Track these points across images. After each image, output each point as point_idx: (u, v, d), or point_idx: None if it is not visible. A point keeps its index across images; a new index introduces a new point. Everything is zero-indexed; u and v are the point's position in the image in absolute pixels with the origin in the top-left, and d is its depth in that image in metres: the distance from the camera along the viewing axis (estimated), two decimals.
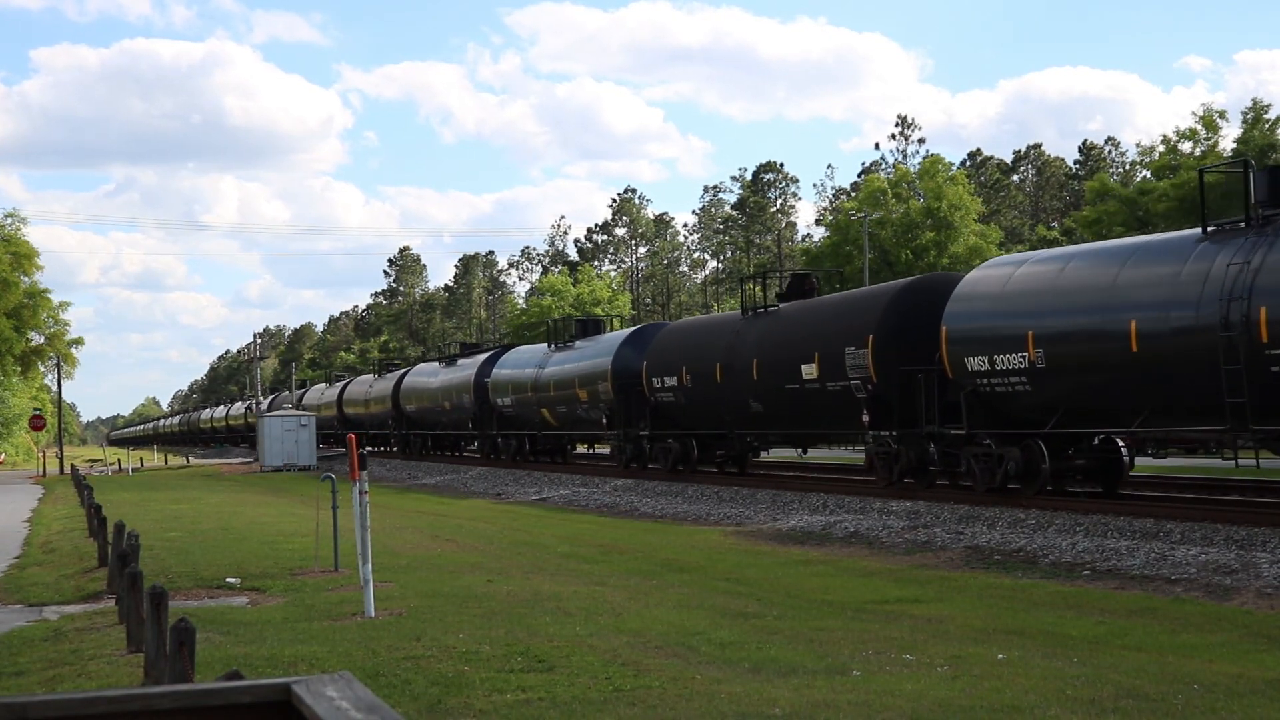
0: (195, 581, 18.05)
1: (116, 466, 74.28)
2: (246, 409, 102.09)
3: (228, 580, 18.00)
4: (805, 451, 40.58)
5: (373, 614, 14.02)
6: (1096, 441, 25.10)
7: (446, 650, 11.63)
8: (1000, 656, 11.34)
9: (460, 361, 59.02)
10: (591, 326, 49.16)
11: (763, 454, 40.46)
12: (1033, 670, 10.63)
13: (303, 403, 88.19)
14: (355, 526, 15.36)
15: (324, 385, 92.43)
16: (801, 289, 34.42)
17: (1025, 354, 23.73)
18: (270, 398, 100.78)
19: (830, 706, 9.22)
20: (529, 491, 39.80)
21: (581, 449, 55.75)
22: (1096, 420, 23.93)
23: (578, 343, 46.65)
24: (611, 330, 49.63)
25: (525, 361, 50.22)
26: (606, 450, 54.77)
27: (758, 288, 35.85)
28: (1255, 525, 19.35)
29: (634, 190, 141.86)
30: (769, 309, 34.38)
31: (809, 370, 30.27)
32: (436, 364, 63.84)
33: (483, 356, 56.07)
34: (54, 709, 3.01)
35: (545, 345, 50.03)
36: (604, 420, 42.06)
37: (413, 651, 11.61)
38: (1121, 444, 24.87)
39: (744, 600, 15.68)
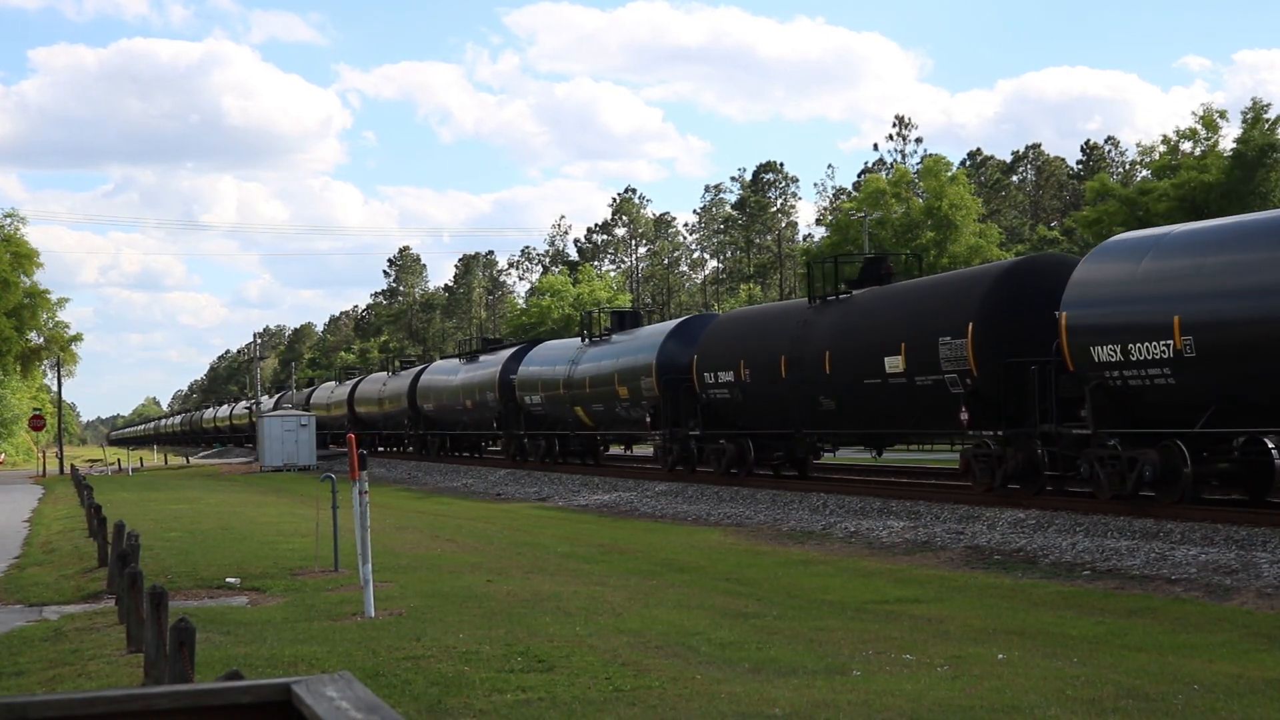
0: (195, 581, 18.06)
1: (116, 466, 74.28)
2: (249, 408, 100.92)
3: (228, 580, 18.00)
4: (880, 453, 37.08)
5: (373, 614, 14.02)
6: (1238, 443, 22.02)
7: (446, 650, 11.63)
8: (1000, 656, 11.33)
9: (483, 358, 56.42)
10: (629, 319, 45.84)
11: (824, 455, 37.43)
12: (1033, 670, 10.63)
13: (311, 402, 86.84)
14: (355, 526, 15.36)
15: (333, 384, 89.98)
16: (877, 274, 31.49)
17: (1170, 342, 20.92)
18: (277, 396, 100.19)
19: (830, 706, 9.22)
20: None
21: (615, 450, 53.21)
22: (1256, 417, 20.75)
23: (615, 336, 43.71)
24: (650, 323, 46.89)
25: (556, 357, 47.26)
26: (634, 451, 52.68)
27: (823, 270, 32.94)
28: (1255, 525, 19.34)
29: (633, 190, 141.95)
30: (841, 296, 31.40)
31: (893, 363, 27.48)
32: (456, 361, 61.10)
33: (507, 352, 53.28)
34: (54, 709, 3.01)
35: (578, 339, 46.92)
36: (647, 419, 39.27)
37: (413, 651, 11.61)
38: (1271, 445, 21.79)
39: (744, 600, 15.68)
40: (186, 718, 3.08)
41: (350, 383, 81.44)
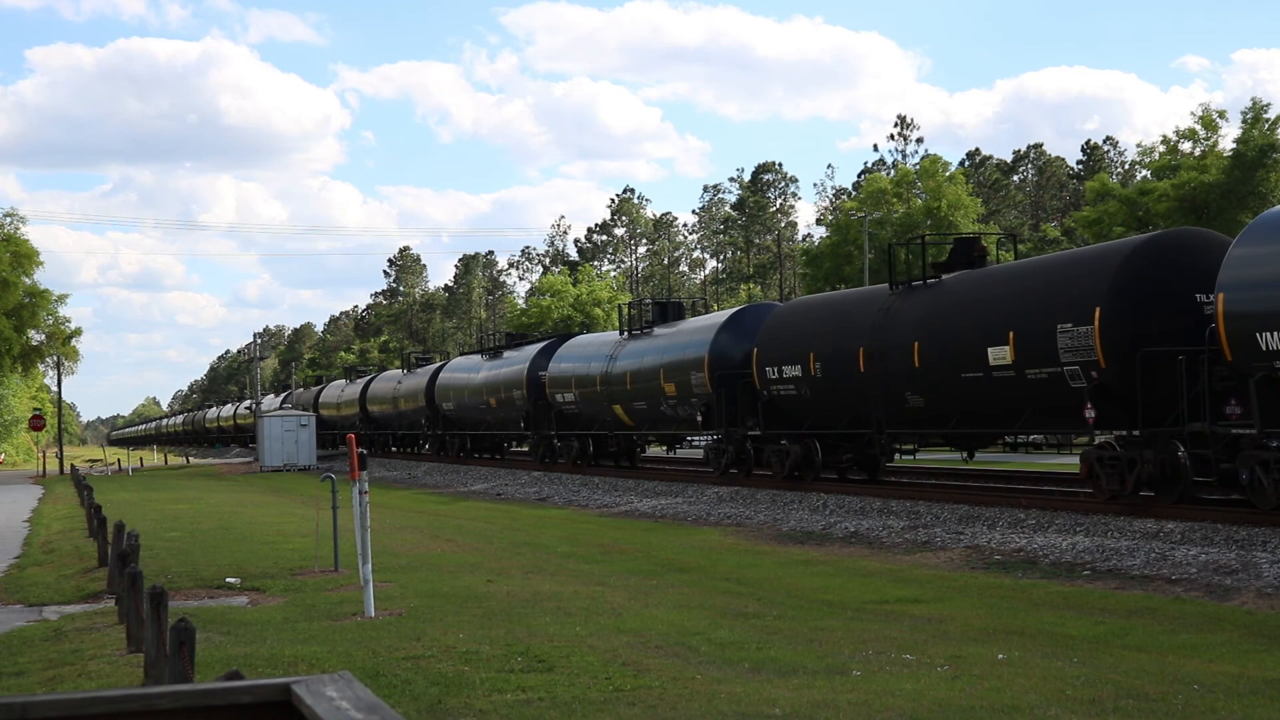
0: (195, 581, 18.06)
1: (116, 466, 74.29)
2: (250, 408, 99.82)
3: (228, 580, 18.01)
4: (972, 455, 33.52)
5: (373, 614, 14.02)
6: None
7: (446, 650, 11.63)
8: (1000, 656, 11.33)
9: (507, 354, 53.25)
10: (672, 310, 42.36)
11: (901, 457, 34.66)
12: (1033, 670, 10.63)
13: (320, 401, 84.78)
14: (355, 526, 15.36)
15: (343, 382, 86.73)
16: (968, 256, 28.56)
17: None
18: (283, 395, 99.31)
19: (830, 706, 9.22)
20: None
21: (654, 450, 50.37)
22: None
23: (657, 330, 40.43)
24: (695, 315, 43.38)
25: (591, 353, 43.99)
26: (676, 452, 50.09)
27: (903, 252, 30.72)
28: (1255, 525, 19.32)
29: (633, 190, 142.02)
30: (928, 281, 28.38)
31: (999, 354, 24.53)
32: (479, 357, 57.49)
33: (535, 348, 49.99)
34: (54, 709, 3.01)
35: (615, 333, 43.65)
36: (698, 418, 36.15)
37: (413, 651, 11.61)
38: None
39: (744, 600, 15.68)
40: (187, 718, 3.08)
41: (362, 381, 78.58)
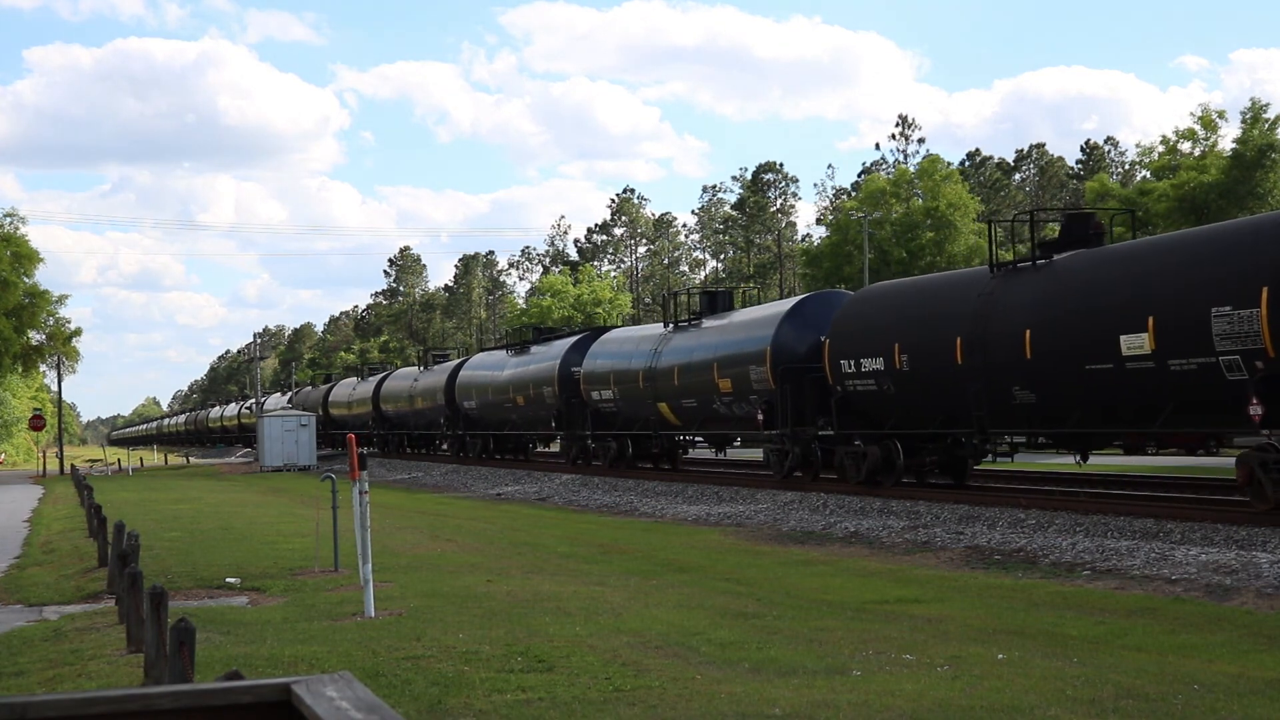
0: (195, 581, 18.06)
1: (116, 466, 74.30)
2: (251, 408, 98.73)
3: (228, 580, 18.01)
4: (1086, 458, 27.84)
5: (373, 614, 14.03)
6: None
7: (446, 650, 11.63)
8: (1000, 656, 11.33)
9: (534, 349, 50.16)
10: (722, 300, 39.15)
11: (996, 459, 31.10)
12: (1033, 670, 10.63)
13: (330, 399, 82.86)
14: (355, 526, 15.36)
15: (354, 380, 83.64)
16: (1084, 233, 25.35)
17: None
18: (290, 394, 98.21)
19: (830, 706, 9.22)
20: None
21: (701, 452, 47.85)
22: None
23: (706, 321, 37.42)
24: (743, 305, 40.95)
25: (631, 348, 41.05)
26: (726, 454, 46.65)
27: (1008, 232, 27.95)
28: (1255, 525, 19.32)
29: (633, 190, 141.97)
30: (1038, 261, 25.35)
31: (1134, 343, 21.65)
32: (504, 353, 54.56)
33: (567, 342, 47.09)
34: (54, 709, 3.01)
35: (659, 325, 40.86)
36: (759, 416, 32.72)
37: (413, 651, 11.61)
38: None
39: (744, 600, 15.67)
40: (187, 718, 3.08)
41: (375, 379, 75.14)
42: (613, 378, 41.36)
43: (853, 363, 28.99)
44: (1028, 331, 24.17)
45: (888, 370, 27.88)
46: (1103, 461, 38.20)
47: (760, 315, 35.09)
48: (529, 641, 12.00)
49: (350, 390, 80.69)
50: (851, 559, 21.16)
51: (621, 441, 42.13)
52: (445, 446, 62.79)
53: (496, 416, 53.39)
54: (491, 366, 54.71)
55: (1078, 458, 27.14)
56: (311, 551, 20.16)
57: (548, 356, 47.68)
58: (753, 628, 13.09)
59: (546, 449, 58.41)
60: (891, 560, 20.78)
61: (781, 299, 50.14)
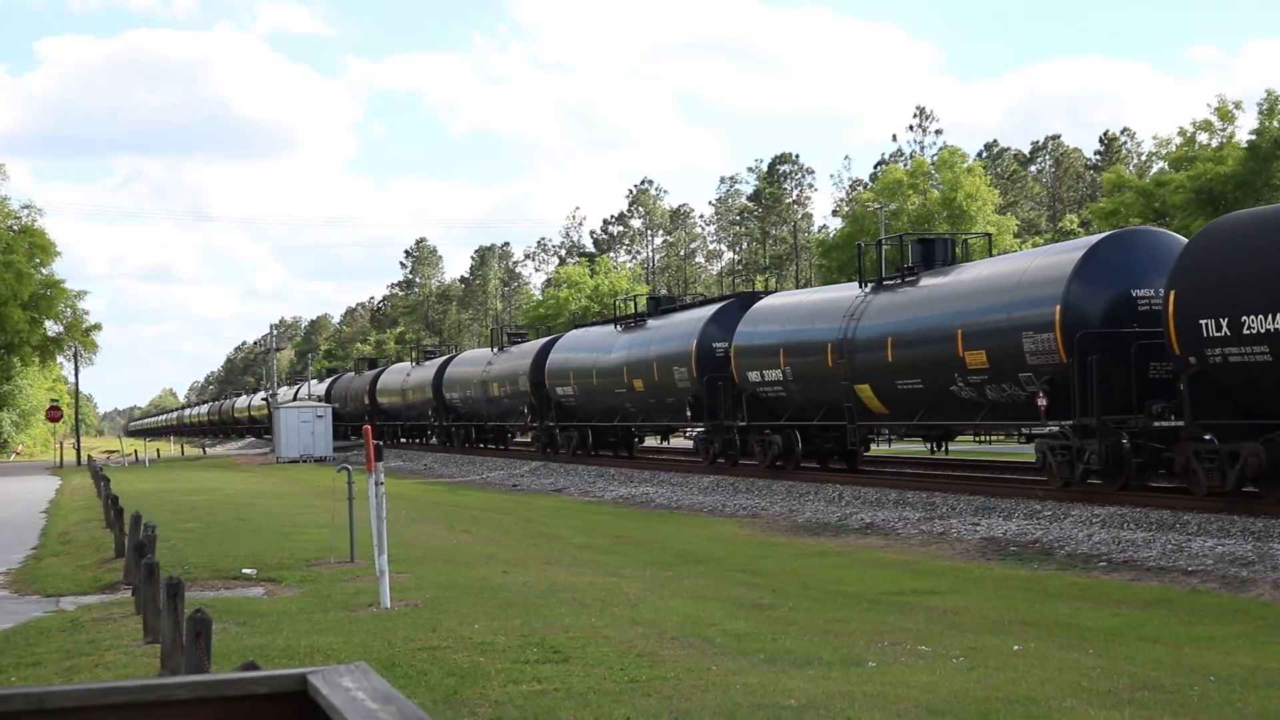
0: (212, 572, 18.11)
1: (133, 457, 74.52)
2: (294, 394, 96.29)
3: (244, 571, 18.05)
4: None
5: (389, 605, 14.05)
6: None
7: (462, 641, 11.65)
8: (1016, 648, 11.32)
9: (651, 323, 40.82)
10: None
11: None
12: (1049, 661, 10.62)
13: (378, 387, 76.20)
14: (371, 518, 15.38)
15: (408, 365, 76.26)
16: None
17: None
18: (330, 379, 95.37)
19: (846, 697, 9.21)
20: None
21: (879, 450, 42.36)
22: None
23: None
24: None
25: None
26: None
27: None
28: (1272, 517, 19.25)
29: (650, 181, 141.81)
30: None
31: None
32: (611, 328, 44.21)
33: (706, 312, 37.54)
34: (71, 699, 3.01)
35: (852, 286, 32.66)
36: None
37: (429, 642, 11.63)
38: None
39: (759, 591, 15.68)
40: (203, 708, 3.08)
41: (434, 363, 68.62)
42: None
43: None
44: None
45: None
46: None
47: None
48: (545, 632, 12.01)
49: (403, 377, 72.45)
50: (867, 550, 21.13)
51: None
52: (529, 439, 54.60)
53: (604, 405, 43.42)
54: (595, 347, 44.37)
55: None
56: (327, 542, 20.20)
57: (677, 333, 38.37)
58: (768, 619, 13.10)
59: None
60: (907, 551, 20.75)
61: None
